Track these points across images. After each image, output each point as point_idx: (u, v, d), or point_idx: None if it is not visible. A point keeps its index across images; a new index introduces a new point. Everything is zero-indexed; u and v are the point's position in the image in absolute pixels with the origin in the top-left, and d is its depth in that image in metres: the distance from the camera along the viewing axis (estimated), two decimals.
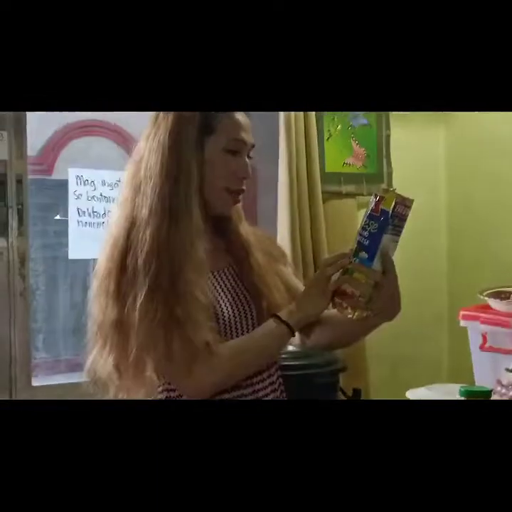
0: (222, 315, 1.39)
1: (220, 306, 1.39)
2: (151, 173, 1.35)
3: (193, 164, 1.36)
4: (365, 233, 1.32)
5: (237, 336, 1.40)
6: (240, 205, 1.48)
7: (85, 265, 2.52)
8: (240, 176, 1.41)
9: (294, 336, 1.40)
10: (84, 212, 2.42)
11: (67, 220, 2.43)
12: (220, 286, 1.43)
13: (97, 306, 1.36)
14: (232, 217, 1.48)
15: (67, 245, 2.43)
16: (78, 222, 2.42)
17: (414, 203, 1.33)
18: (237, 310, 1.42)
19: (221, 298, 1.41)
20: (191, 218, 1.34)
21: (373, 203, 1.32)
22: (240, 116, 1.41)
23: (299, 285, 1.56)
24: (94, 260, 1.48)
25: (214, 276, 1.42)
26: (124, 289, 1.31)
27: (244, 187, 1.43)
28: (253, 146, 1.43)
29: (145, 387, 1.41)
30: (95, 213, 2.43)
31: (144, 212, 1.33)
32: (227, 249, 1.48)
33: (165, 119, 1.37)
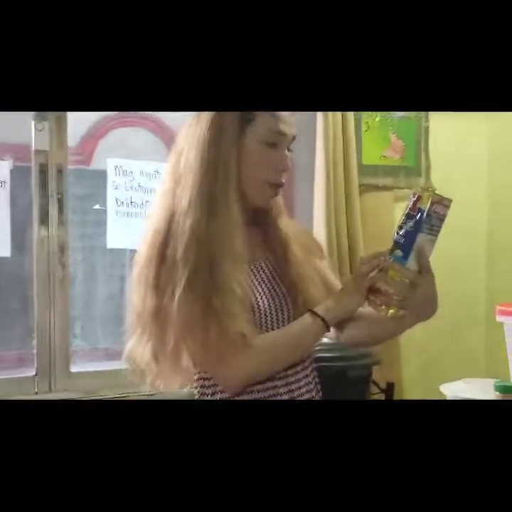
0: (258, 307, 1.39)
1: (256, 299, 1.39)
2: (191, 165, 1.36)
3: (231, 157, 1.36)
4: (402, 232, 1.32)
5: (272, 329, 1.41)
6: (280, 197, 1.48)
7: (123, 255, 2.54)
8: (278, 169, 1.41)
9: (329, 331, 1.41)
10: (122, 202, 2.43)
11: (105, 210, 2.44)
12: (257, 278, 1.43)
13: (137, 295, 1.37)
14: (270, 210, 1.48)
15: (105, 235, 2.44)
16: (116, 212, 2.42)
17: (453, 198, 1.33)
18: (273, 303, 1.42)
19: (257, 290, 1.41)
20: (229, 211, 1.35)
21: (411, 202, 1.32)
22: None
23: (335, 280, 1.56)
24: (132, 250, 1.49)
25: (250, 269, 1.42)
26: (163, 278, 1.32)
27: (283, 180, 1.43)
28: (294, 138, 1.43)
29: (182, 375, 1.44)
30: (133, 203, 2.44)
31: (184, 204, 1.34)
32: (264, 241, 1.49)
33: None
